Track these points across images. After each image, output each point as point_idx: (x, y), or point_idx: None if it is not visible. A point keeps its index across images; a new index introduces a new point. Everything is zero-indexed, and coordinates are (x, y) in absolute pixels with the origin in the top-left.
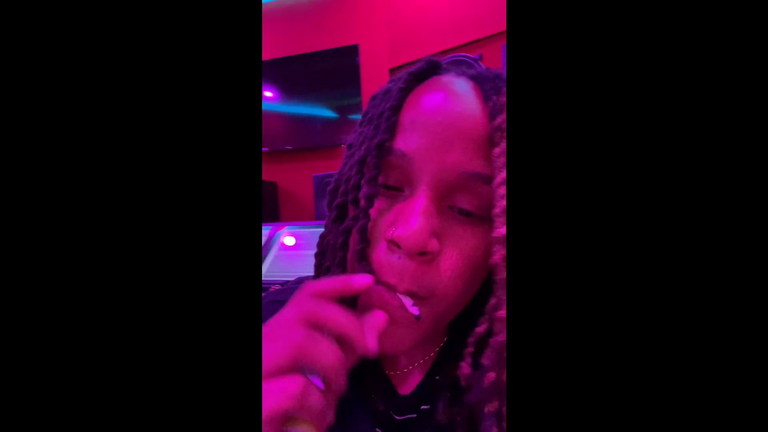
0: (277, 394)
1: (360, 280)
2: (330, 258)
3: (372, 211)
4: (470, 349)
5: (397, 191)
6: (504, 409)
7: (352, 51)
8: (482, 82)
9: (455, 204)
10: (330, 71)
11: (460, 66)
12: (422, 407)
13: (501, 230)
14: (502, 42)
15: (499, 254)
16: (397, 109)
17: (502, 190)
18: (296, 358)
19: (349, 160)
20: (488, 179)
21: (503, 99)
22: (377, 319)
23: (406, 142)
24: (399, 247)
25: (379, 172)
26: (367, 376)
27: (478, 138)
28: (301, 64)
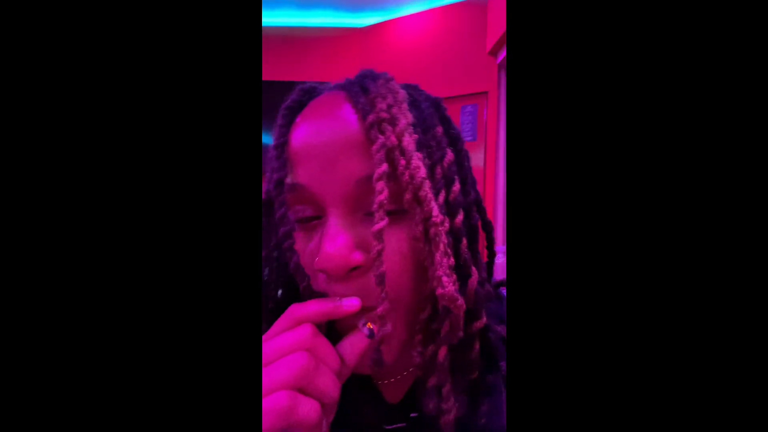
0: (272, 413)
1: (349, 304)
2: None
3: (298, 247)
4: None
5: (316, 219)
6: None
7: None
8: (349, 89)
9: (369, 209)
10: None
11: (335, 85)
12: (411, 415)
13: (378, 224)
14: (463, 103)
15: (375, 249)
16: (283, 145)
17: (379, 185)
18: (298, 386)
19: (266, 192)
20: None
21: (371, 95)
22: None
23: (298, 173)
24: (328, 274)
25: (287, 208)
26: (355, 387)
27: (357, 142)
28: (264, 91)
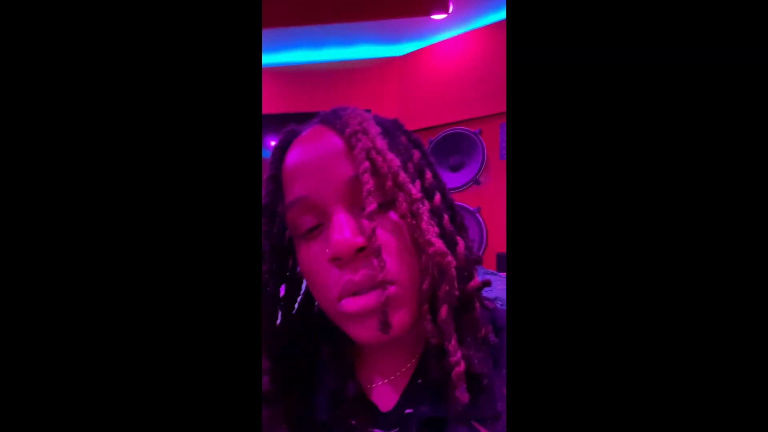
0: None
1: None
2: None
3: (307, 256)
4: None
5: (318, 227)
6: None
7: None
8: (325, 119)
9: (362, 205)
10: None
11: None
12: (406, 411)
13: (369, 207)
14: (502, 120)
15: (368, 227)
16: (275, 176)
17: (365, 177)
18: None
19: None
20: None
21: (344, 119)
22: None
23: (297, 189)
24: (340, 257)
25: (271, 228)
26: (348, 401)
27: (341, 152)
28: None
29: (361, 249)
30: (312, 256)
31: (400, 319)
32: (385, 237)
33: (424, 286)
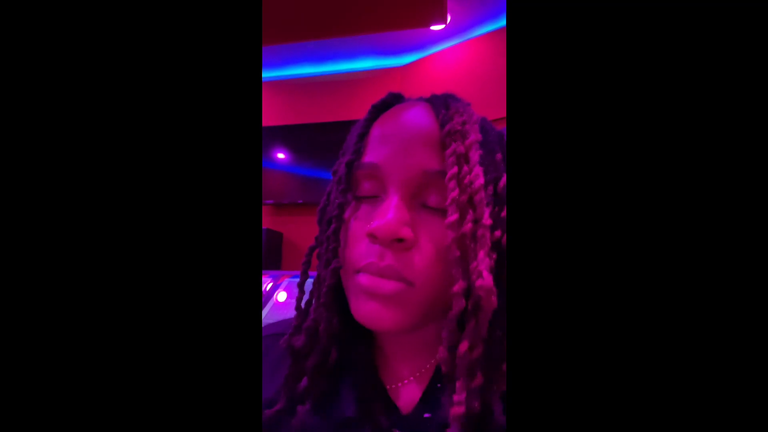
0: None
1: None
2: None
3: (352, 218)
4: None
5: (374, 198)
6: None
7: None
8: (433, 101)
9: (425, 201)
10: (341, 141)
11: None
12: (425, 415)
13: (451, 217)
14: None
15: (449, 236)
16: (363, 135)
17: (452, 184)
18: None
19: (331, 183)
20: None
21: (451, 111)
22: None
23: (374, 154)
24: (376, 237)
25: (348, 185)
26: (368, 398)
27: (434, 142)
28: (316, 131)
29: (400, 240)
30: (355, 220)
31: (397, 318)
32: (426, 239)
33: (452, 312)
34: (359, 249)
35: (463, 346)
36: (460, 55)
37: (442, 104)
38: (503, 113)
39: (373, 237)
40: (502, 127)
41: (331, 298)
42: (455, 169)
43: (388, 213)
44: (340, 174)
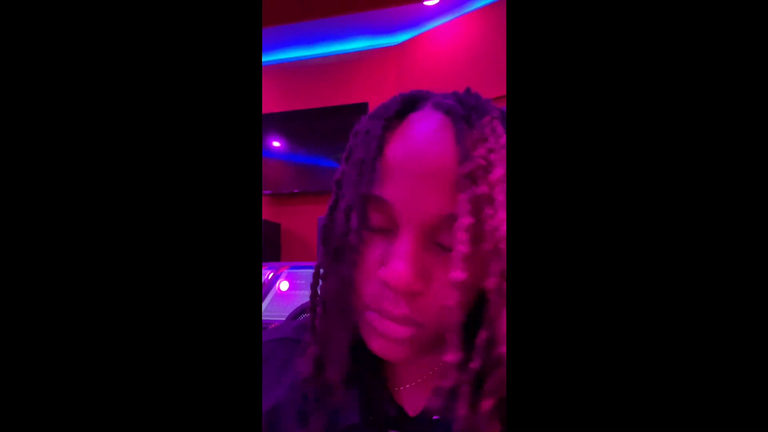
0: None
1: None
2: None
3: (364, 251)
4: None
5: (386, 231)
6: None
7: (361, 108)
8: (456, 120)
9: (440, 241)
10: (339, 126)
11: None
12: (434, 417)
13: (455, 273)
14: (502, 104)
15: (452, 299)
16: (376, 159)
17: (461, 236)
18: None
19: (338, 202)
20: None
21: (475, 134)
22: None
23: (387, 190)
24: (390, 286)
25: (364, 223)
26: (375, 401)
27: (449, 180)
28: (312, 118)
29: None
30: (367, 254)
31: (407, 353)
32: (439, 283)
33: (473, 365)
34: (371, 288)
35: (487, 404)
36: (455, 30)
37: (464, 124)
38: (502, 91)
39: (386, 283)
40: (501, 105)
41: (338, 322)
42: (468, 221)
43: (402, 262)
44: (355, 208)
